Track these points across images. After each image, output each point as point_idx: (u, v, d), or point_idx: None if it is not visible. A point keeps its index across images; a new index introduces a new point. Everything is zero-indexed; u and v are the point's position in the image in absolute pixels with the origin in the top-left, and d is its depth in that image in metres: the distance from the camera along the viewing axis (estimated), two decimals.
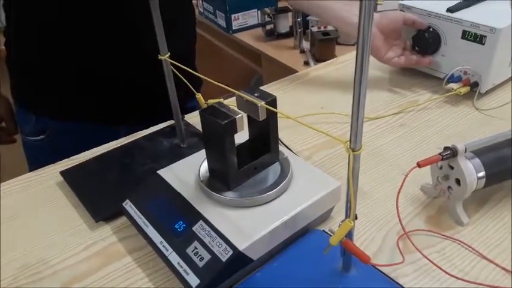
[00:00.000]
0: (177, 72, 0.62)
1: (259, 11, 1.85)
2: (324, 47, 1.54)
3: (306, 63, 1.57)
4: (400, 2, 0.87)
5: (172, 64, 0.62)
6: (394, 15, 0.85)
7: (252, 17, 1.86)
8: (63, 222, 0.60)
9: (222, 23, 1.86)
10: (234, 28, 1.84)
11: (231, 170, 0.51)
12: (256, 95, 0.49)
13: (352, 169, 0.37)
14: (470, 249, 0.53)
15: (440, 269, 0.49)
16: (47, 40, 0.78)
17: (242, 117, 0.48)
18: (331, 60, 1.04)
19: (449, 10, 0.81)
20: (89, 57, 0.79)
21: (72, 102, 0.83)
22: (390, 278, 0.49)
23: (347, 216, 0.41)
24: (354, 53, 1.11)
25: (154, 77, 0.74)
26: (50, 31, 0.77)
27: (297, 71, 1.06)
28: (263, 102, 0.48)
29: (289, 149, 0.67)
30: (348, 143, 0.36)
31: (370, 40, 0.32)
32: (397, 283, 0.48)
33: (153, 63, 0.64)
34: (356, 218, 0.41)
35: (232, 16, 1.81)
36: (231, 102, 0.50)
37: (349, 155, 0.37)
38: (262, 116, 0.49)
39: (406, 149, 0.71)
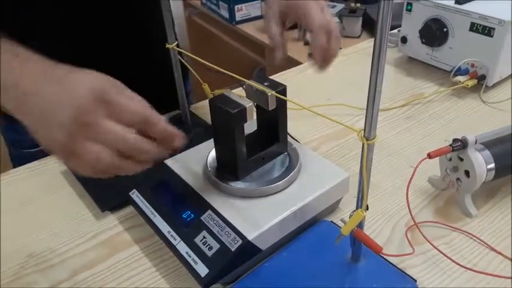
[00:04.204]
0: (184, 62, 0.62)
1: (262, 2, 1.83)
2: None
3: (311, 55, 1.56)
4: None
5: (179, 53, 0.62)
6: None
7: (255, 8, 1.84)
8: (69, 211, 0.60)
9: (225, 13, 1.84)
10: (237, 19, 1.82)
11: (240, 160, 0.51)
12: (265, 84, 0.49)
13: (366, 159, 0.37)
14: (479, 241, 0.53)
15: (451, 259, 0.49)
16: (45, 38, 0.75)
17: (252, 106, 0.48)
18: None
19: (458, 2, 0.81)
20: (92, 49, 0.78)
21: None
22: (399, 268, 0.49)
23: (359, 206, 0.41)
24: (359, 45, 1.10)
25: (157, 66, 0.73)
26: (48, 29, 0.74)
27: (301, 63, 1.06)
28: (273, 92, 0.47)
29: (296, 140, 0.67)
30: (362, 132, 0.36)
31: (389, 28, 0.31)
32: (407, 274, 0.48)
33: (157, 52, 0.64)
34: (367, 209, 0.41)
35: (236, 7, 1.80)
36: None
37: (362, 144, 0.36)
38: (271, 106, 0.49)
39: (413, 141, 0.71)
